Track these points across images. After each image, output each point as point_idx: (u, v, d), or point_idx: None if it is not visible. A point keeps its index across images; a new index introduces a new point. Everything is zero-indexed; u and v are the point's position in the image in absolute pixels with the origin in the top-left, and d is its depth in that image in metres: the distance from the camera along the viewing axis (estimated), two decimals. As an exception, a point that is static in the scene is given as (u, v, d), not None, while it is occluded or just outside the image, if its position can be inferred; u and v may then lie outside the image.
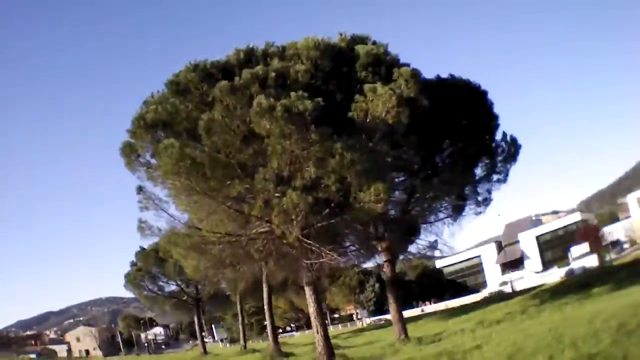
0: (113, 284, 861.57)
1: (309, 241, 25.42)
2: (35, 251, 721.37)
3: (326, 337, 28.93)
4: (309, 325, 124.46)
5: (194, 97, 24.87)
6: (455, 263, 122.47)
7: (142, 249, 65.81)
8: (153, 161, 26.21)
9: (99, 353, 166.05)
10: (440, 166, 31.24)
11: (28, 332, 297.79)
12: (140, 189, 26.77)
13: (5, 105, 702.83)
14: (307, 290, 29.87)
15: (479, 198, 33.12)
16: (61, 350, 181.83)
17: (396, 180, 31.21)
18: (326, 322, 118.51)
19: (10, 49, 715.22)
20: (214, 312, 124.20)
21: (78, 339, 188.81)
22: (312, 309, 29.62)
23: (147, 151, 26.30)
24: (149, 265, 69.91)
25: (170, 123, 25.27)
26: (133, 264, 72.84)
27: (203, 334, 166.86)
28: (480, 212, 33.65)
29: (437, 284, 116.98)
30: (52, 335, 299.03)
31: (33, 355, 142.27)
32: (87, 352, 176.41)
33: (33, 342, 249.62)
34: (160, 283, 73.92)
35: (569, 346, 14.74)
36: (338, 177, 22.58)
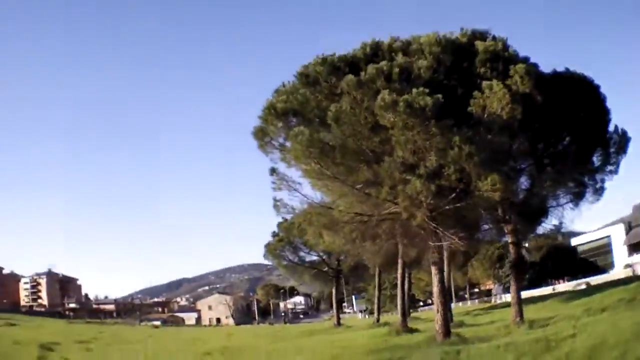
0: (256, 251, 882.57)
1: (434, 224, 27.51)
2: (174, 218, 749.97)
3: (445, 317, 30.25)
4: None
5: (323, 89, 27.07)
6: (588, 242, 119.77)
7: (284, 219, 67.36)
8: (287, 144, 28.83)
9: (231, 321, 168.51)
10: (558, 155, 32.25)
11: (155, 299, 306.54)
12: (273, 171, 29.67)
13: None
14: (433, 270, 31.57)
15: (596, 186, 34.11)
16: (190, 318, 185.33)
17: (519, 166, 32.69)
18: (465, 297, 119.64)
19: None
20: (355, 284, 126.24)
21: (210, 307, 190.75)
22: (435, 289, 31.31)
23: (279, 135, 29.10)
24: (291, 236, 72.15)
25: (300, 111, 27.88)
26: (275, 234, 75.52)
27: (344, 304, 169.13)
28: (597, 199, 34.56)
29: (570, 262, 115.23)
30: (183, 302, 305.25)
31: (157, 322, 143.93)
32: (218, 320, 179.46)
33: (160, 309, 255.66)
34: (301, 253, 76.16)
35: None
36: (458, 167, 24.37)
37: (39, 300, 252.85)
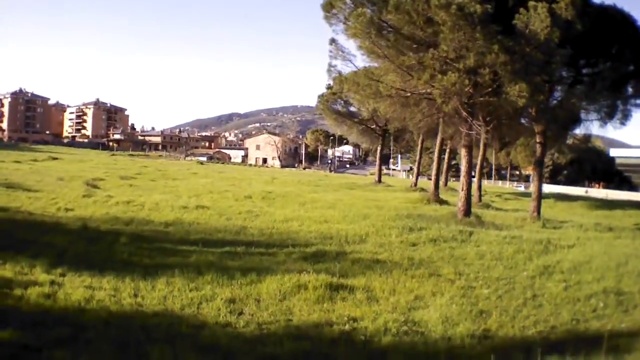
0: (311, 94, 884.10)
1: (465, 113, 31.78)
2: (232, 50, 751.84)
3: (467, 197, 33.94)
4: (490, 176, 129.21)
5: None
6: (628, 157, 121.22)
7: (340, 73, 69.48)
8: (348, 23, 32.29)
9: (277, 163, 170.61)
10: (596, 75, 34.95)
11: (204, 133, 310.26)
12: (332, 41, 34.71)
13: None
14: (462, 151, 35.63)
15: (625, 112, 37.21)
16: (237, 155, 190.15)
17: (559, 75, 35.44)
18: (507, 176, 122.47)
19: None
20: (402, 142, 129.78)
21: (257, 147, 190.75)
22: (463, 169, 35.35)
23: (343, 12, 32.71)
24: (344, 91, 75.53)
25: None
26: (329, 87, 78.58)
27: (390, 160, 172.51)
28: (623, 123, 38.01)
29: (607, 170, 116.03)
30: (231, 138, 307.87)
31: (203, 158, 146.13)
32: (265, 160, 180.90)
33: (207, 143, 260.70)
34: (352, 108, 79.59)
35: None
36: (493, 69, 28.07)
37: (83, 131, 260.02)
